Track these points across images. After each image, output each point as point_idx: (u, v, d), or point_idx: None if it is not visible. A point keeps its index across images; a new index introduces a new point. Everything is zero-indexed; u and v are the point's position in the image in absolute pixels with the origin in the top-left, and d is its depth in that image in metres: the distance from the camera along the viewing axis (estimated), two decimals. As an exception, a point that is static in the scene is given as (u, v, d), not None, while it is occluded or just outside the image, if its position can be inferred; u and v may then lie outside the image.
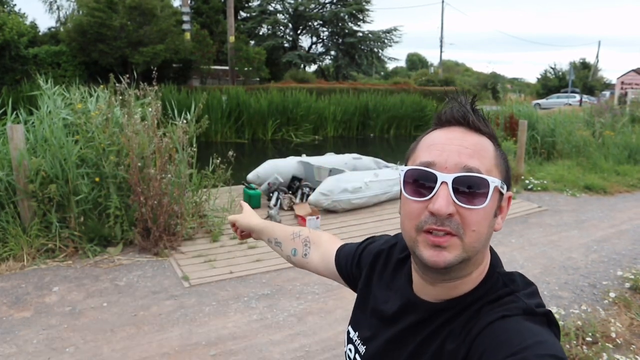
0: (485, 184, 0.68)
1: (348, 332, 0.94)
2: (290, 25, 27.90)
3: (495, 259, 0.77)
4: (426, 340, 0.74)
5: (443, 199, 0.67)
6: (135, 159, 4.14)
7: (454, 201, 0.67)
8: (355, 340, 0.89)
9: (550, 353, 0.61)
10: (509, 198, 0.76)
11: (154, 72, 5.15)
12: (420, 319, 0.76)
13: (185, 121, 4.65)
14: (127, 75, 4.76)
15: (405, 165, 0.76)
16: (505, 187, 0.72)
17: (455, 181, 0.67)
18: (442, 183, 0.67)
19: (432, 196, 0.68)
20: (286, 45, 27.79)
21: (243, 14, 27.17)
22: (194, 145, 4.77)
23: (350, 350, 0.91)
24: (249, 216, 1.31)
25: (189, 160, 4.70)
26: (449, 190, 0.67)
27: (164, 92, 4.65)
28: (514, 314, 0.68)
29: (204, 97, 5.10)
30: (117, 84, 4.58)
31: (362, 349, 0.87)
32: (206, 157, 5.23)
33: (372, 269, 0.94)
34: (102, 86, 5.09)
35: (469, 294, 0.73)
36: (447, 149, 0.70)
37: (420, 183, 0.70)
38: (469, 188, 0.68)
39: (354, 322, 0.93)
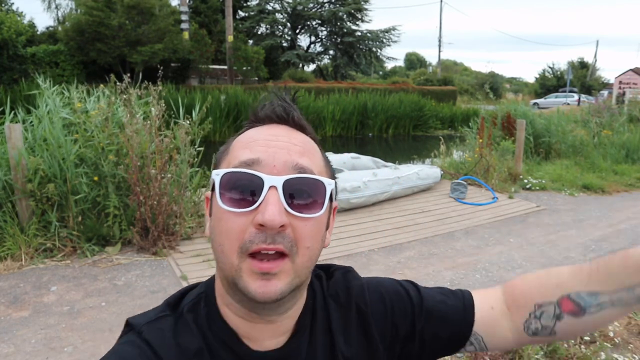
0: (321, 187, 0.58)
1: None
2: (288, 24, 27.90)
3: None
4: None
5: (274, 206, 0.53)
6: (135, 158, 4.14)
7: (285, 209, 0.54)
8: None
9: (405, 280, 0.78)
10: (334, 209, 0.65)
11: (160, 70, 5.18)
12: None
13: (188, 122, 4.64)
14: (129, 75, 4.76)
15: (215, 169, 0.60)
16: (335, 194, 0.62)
17: (287, 184, 0.55)
18: (270, 187, 0.54)
19: (259, 205, 0.54)
20: (284, 44, 27.79)
21: (241, 14, 27.18)
22: (196, 146, 4.76)
23: None
24: None
25: (189, 160, 4.69)
26: (280, 195, 0.54)
27: (165, 91, 4.63)
28: (355, 274, 0.74)
29: (209, 101, 5.11)
30: (117, 83, 4.57)
31: None
32: (205, 156, 5.22)
33: None
34: (102, 85, 5.08)
35: (305, 314, 0.66)
36: (274, 145, 0.57)
37: (242, 189, 0.55)
38: (303, 192, 0.56)
39: None
